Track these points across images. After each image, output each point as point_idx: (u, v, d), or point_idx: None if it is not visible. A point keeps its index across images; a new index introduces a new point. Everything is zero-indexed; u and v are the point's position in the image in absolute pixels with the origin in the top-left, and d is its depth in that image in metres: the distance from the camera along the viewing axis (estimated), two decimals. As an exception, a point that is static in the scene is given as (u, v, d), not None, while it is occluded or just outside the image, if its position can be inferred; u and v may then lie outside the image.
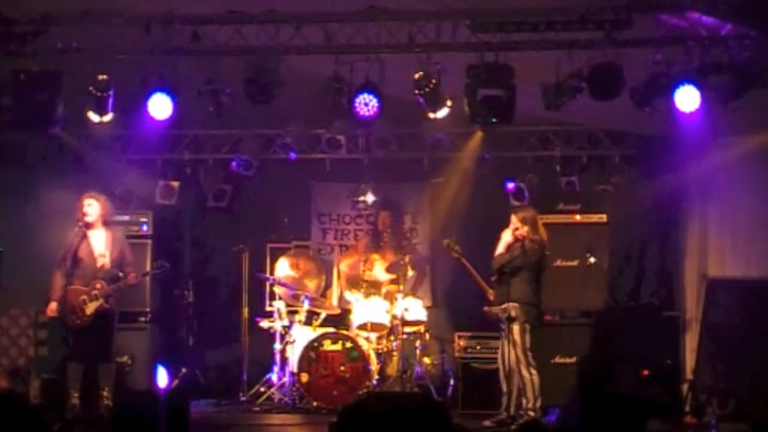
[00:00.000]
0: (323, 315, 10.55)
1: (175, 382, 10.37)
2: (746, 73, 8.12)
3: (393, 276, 10.56)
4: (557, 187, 10.91)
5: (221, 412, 10.09)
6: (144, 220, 10.87)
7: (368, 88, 8.57)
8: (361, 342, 10.06)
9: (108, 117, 8.91)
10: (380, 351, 10.21)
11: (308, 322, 10.38)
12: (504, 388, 9.10)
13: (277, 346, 10.37)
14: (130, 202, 10.98)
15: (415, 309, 10.44)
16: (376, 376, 9.99)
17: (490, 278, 9.34)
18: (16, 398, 5.42)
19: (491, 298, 9.33)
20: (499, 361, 9.22)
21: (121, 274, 9.24)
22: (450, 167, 11.20)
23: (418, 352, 10.40)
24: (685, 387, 9.76)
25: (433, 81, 8.46)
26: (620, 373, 9.68)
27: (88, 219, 9.19)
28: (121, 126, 10.07)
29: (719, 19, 8.06)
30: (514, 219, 9.21)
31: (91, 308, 9.07)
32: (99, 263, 9.19)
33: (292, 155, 11.16)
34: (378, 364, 10.07)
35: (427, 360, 10.58)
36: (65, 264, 9.13)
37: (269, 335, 10.51)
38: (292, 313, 10.55)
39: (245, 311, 10.86)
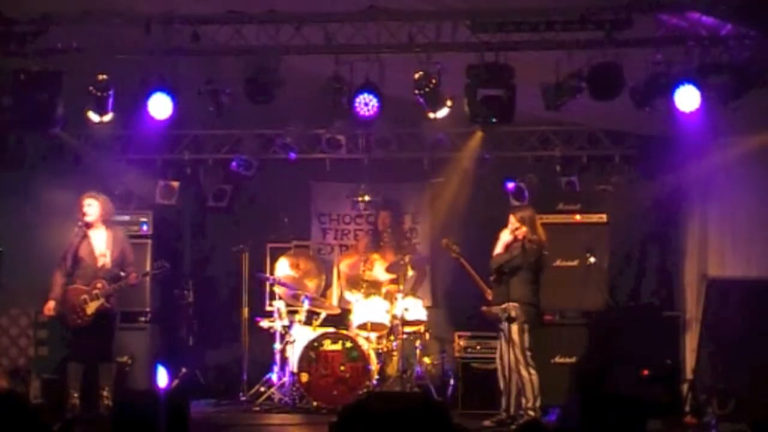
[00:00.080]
0: (323, 315, 10.55)
1: (175, 382, 10.36)
2: (746, 73, 8.12)
3: (393, 276, 10.56)
4: (557, 187, 10.91)
5: (221, 412, 10.09)
6: (144, 220, 10.87)
7: (368, 88, 8.57)
8: (361, 342, 10.06)
9: (108, 117, 8.91)
10: (380, 351, 10.22)
11: (308, 322, 10.39)
12: (502, 388, 9.10)
13: (277, 346, 10.37)
14: (130, 202, 10.98)
15: (415, 309, 10.44)
16: (376, 376, 9.99)
17: (489, 278, 9.34)
18: (16, 398, 5.42)
19: (489, 298, 9.33)
20: (498, 361, 9.22)
21: (122, 274, 9.24)
22: (450, 167, 11.20)
23: (418, 352, 10.40)
24: (685, 387, 9.76)
25: (433, 81, 8.46)
26: (620, 373, 9.69)
27: (88, 219, 9.20)
28: (121, 126, 10.08)
29: (719, 19, 8.06)
30: (512, 219, 9.22)
31: (91, 308, 9.07)
32: (100, 263, 9.19)
33: (292, 155, 11.16)
34: (378, 364, 10.07)
35: (427, 360, 10.58)
36: (65, 264, 9.13)
37: (269, 335, 10.51)
38: (292, 313, 10.55)
39: (245, 311, 10.87)
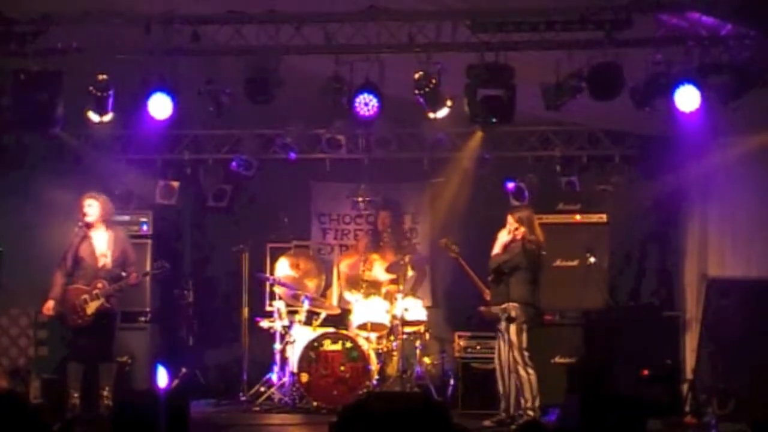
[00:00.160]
0: (323, 315, 10.55)
1: (175, 382, 10.36)
2: (746, 73, 8.12)
3: (393, 276, 10.56)
4: (557, 187, 10.92)
5: (221, 412, 10.09)
6: (144, 220, 10.87)
7: (368, 88, 8.57)
8: (361, 342, 10.06)
9: (108, 117, 8.91)
10: (380, 351, 10.21)
11: (308, 322, 10.38)
12: (501, 388, 9.10)
13: (277, 346, 10.37)
14: (130, 202, 10.98)
15: (415, 309, 10.44)
16: (376, 376, 9.99)
17: (487, 278, 9.35)
18: (16, 398, 5.43)
19: (488, 298, 9.34)
20: (496, 361, 9.22)
21: (123, 274, 9.23)
22: (450, 167, 11.20)
23: (418, 352, 10.40)
24: (685, 387, 9.76)
25: (433, 81, 8.46)
26: (620, 373, 9.69)
27: (89, 219, 9.20)
28: (121, 126, 10.07)
29: (719, 19, 8.06)
30: (510, 219, 9.22)
31: (92, 308, 9.07)
32: (100, 263, 9.19)
33: (292, 155, 11.16)
34: (378, 364, 10.07)
35: (427, 360, 10.58)
36: (65, 264, 9.13)
37: (269, 335, 10.51)
38: (292, 313, 10.55)
39: (245, 311, 10.87)
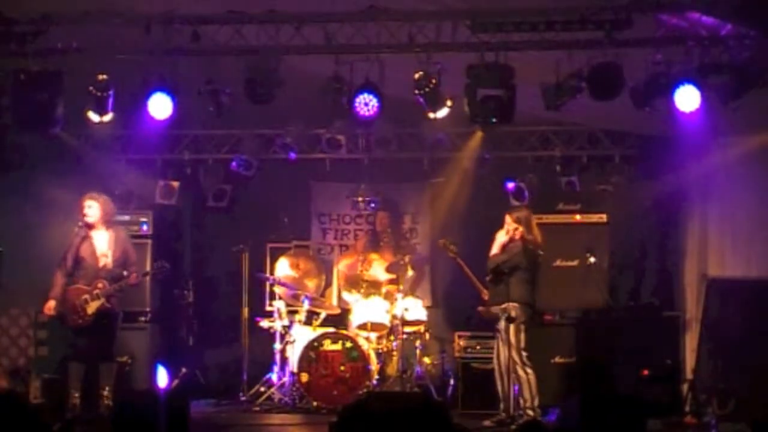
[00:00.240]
0: (323, 315, 10.55)
1: (175, 382, 10.36)
2: (746, 73, 8.12)
3: (392, 276, 10.57)
4: (557, 187, 10.92)
5: (221, 412, 10.09)
6: (144, 220, 10.87)
7: (368, 88, 8.57)
8: (361, 342, 10.06)
9: (108, 117, 8.91)
10: (380, 351, 10.21)
11: (308, 322, 10.38)
12: (500, 388, 9.10)
13: (277, 346, 10.37)
14: (130, 202, 10.97)
15: (415, 309, 10.44)
16: (376, 376, 9.99)
17: (485, 278, 9.35)
18: (16, 398, 5.43)
19: (486, 298, 9.34)
20: (495, 361, 9.22)
21: (125, 273, 9.23)
22: (450, 167, 11.20)
23: (418, 352, 10.40)
24: (685, 387, 9.76)
25: (433, 81, 8.46)
26: (620, 373, 9.69)
27: (89, 220, 9.19)
28: (121, 126, 10.07)
29: (719, 19, 8.06)
30: (508, 219, 9.22)
31: (92, 308, 9.06)
32: (101, 263, 9.18)
33: (292, 155, 11.17)
34: (378, 364, 10.07)
35: (427, 360, 10.58)
36: (65, 264, 9.13)
37: (269, 335, 10.51)
38: (292, 313, 10.55)
39: (245, 311, 10.87)
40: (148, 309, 10.71)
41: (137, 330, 10.55)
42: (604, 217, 10.58)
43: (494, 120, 8.49)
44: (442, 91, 8.64)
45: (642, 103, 8.48)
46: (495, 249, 9.21)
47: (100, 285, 9.11)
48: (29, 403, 8.91)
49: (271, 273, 11.03)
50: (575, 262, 10.41)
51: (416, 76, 8.47)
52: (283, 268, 10.96)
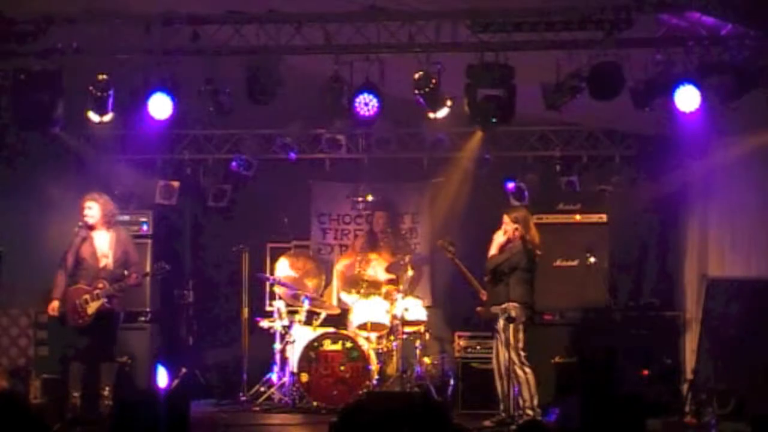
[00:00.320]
0: (323, 315, 10.55)
1: (175, 382, 10.36)
2: (746, 73, 8.12)
3: (392, 276, 10.57)
4: (557, 187, 10.92)
5: (221, 412, 10.08)
6: (144, 220, 10.87)
7: (368, 88, 8.57)
8: (361, 342, 10.06)
9: (108, 117, 8.91)
10: (380, 351, 10.21)
11: (308, 322, 10.39)
12: (500, 389, 9.10)
13: (277, 346, 10.37)
14: (130, 202, 10.97)
15: (415, 309, 10.44)
16: (376, 376, 9.99)
17: (484, 279, 9.35)
18: (16, 398, 5.43)
19: (484, 298, 9.34)
20: (494, 361, 9.22)
21: (126, 273, 9.22)
22: (450, 167, 11.20)
23: (418, 352, 10.39)
24: (685, 387, 9.76)
25: (433, 81, 8.46)
26: (620, 373, 9.69)
27: (89, 221, 9.17)
28: (121, 126, 10.07)
29: (719, 19, 8.06)
30: (506, 219, 9.22)
31: (92, 308, 9.05)
32: (102, 263, 9.17)
33: (292, 155, 11.17)
34: (378, 364, 10.07)
35: (427, 360, 10.57)
36: (66, 264, 9.11)
37: (269, 335, 10.51)
38: (292, 313, 10.55)
39: (245, 311, 10.87)
40: (148, 309, 10.71)
41: (137, 330, 10.54)
42: (604, 217, 10.57)
43: (494, 120, 8.50)
44: (442, 91, 8.64)
45: (642, 103, 8.48)
46: (493, 250, 9.20)
47: (100, 285, 9.10)
48: (29, 403, 8.93)
49: (271, 273, 11.03)
50: (575, 262, 10.41)
51: (416, 76, 8.48)
52: (283, 268, 10.96)
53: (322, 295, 10.94)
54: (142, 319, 10.65)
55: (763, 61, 8.12)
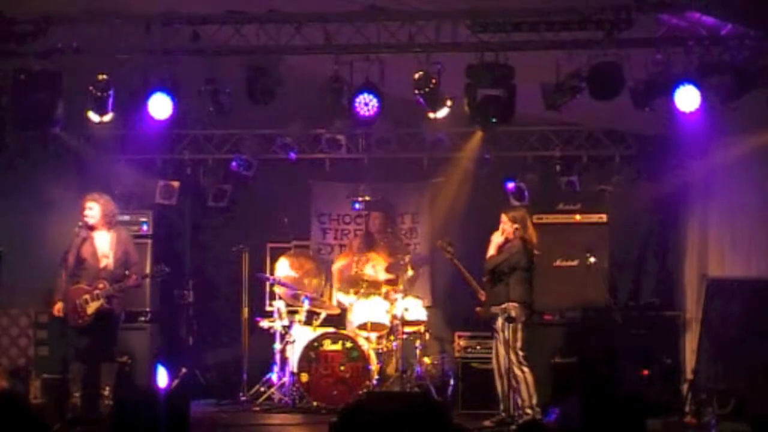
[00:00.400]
0: (323, 315, 10.55)
1: (175, 382, 10.36)
2: (746, 73, 8.12)
3: (390, 276, 10.56)
4: (557, 187, 10.92)
5: (221, 412, 10.08)
6: (144, 220, 10.87)
7: (368, 88, 8.57)
8: (361, 342, 10.06)
9: (108, 117, 8.91)
10: (380, 351, 10.21)
11: (308, 322, 10.39)
12: (500, 388, 9.10)
13: (277, 346, 10.37)
14: (130, 202, 10.97)
15: (414, 309, 10.44)
16: (376, 376, 9.99)
17: (482, 279, 9.35)
18: (16, 398, 5.43)
19: (483, 299, 9.34)
20: (494, 361, 9.22)
21: (127, 273, 9.21)
22: (450, 167, 11.21)
23: (418, 352, 10.39)
24: (685, 387, 9.76)
25: (433, 81, 8.46)
26: (620, 373, 9.69)
27: (90, 221, 9.15)
28: (121, 126, 10.07)
29: (719, 19, 8.06)
30: (504, 218, 9.23)
31: (92, 308, 9.05)
32: (102, 264, 9.16)
33: (292, 155, 11.17)
34: (378, 364, 10.07)
35: (427, 360, 10.58)
36: (67, 264, 9.10)
37: (269, 335, 10.51)
38: (292, 313, 10.55)
39: (245, 311, 10.87)
40: (148, 309, 10.71)
41: (137, 330, 10.54)
42: (604, 217, 10.58)
43: (494, 120, 8.50)
44: (442, 91, 8.64)
45: (642, 103, 8.48)
46: (491, 251, 9.20)
47: (100, 286, 9.10)
48: (29, 403, 8.93)
49: (271, 273, 11.03)
50: (575, 262, 10.42)
51: (416, 76, 8.47)
52: (283, 268, 10.96)
53: (322, 295, 10.94)
54: (142, 319, 10.65)
55: (763, 61, 8.12)
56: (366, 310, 10.29)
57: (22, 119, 8.85)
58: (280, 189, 11.47)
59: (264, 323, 10.51)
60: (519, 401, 8.97)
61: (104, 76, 8.65)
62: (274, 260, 11.28)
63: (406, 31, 8.32)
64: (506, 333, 8.91)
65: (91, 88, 8.68)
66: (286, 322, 10.38)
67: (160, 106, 8.74)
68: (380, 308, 10.29)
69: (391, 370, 10.36)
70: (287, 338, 10.29)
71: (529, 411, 8.88)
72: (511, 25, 8.12)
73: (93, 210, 9.17)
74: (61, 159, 10.88)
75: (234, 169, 11.20)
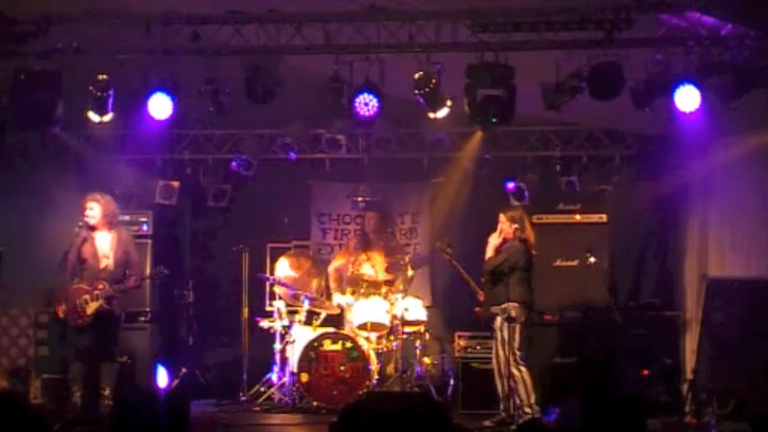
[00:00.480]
0: (323, 315, 10.54)
1: (175, 382, 10.36)
2: (746, 73, 8.13)
3: (389, 277, 10.56)
4: (557, 187, 10.93)
5: (221, 412, 10.08)
6: (144, 220, 10.87)
7: (368, 88, 8.57)
8: (361, 342, 10.06)
9: (108, 117, 8.91)
10: (380, 351, 10.21)
11: (308, 322, 10.38)
12: (500, 388, 9.10)
13: (277, 346, 10.37)
14: (130, 202, 10.97)
15: (414, 309, 10.44)
16: (376, 376, 9.99)
17: (481, 279, 9.35)
18: (16, 398, 5.43)
19: (481, 299, 9.34)
20: (494, 361, 9.22)
21: (127, 273, 9.21)
22: (450, 167, 11.21)
23: (418, 352, 10.39)
24: (685, 387, 9.76)
25: (433, 81, 8.46)
26: (620, 373, 9.69)
27: (90, 222, 9.13)
28: (121, 126, 10.08)
29: (719, 19, 8.06)
30: (502, 218, 9.23)
31: (91, 308, 9.04)
32: (102, 264, 9.15)
33: (292, 155, 11.17)
34: (378, 364, 10.07)
35: (427, 360, 10.58)
36: (68, 264, 9.09)
37: (269, 335, 10.51)
38: (292, 313, 10.55)
39: (245, 311, 10.86)
40: (148, 309, 10.71)
41: (137, 330, 10.54)
42: (604, 217, 10.58)
43: (494, 120, 8.51)
44: (442, 91, 8.64)
45: (642, 103, 8.48)
46: (489, 252, 9.20)
47: (100, 286, 9.08)
48: (29, 403, 8.92)
49: (271, 273, 11.03)
50: (575, 262, 10.42)
51: (416, 76, 8.48)
52: (283, 268, 10.96)
53: (322, 295, 10.94)
54: (142, 319, 10.65)
55: (763, 61, 8.13)
56: (366, 310, 10.29)
57: (22, 119, 8.86)
58: (280, 189, 11.47)
59: (264, 323, 10.51)
60: (517, 401, 8.97)
61: (104, 76, 8.66)
62: (274, 260, 11.28)
63: (406, 31, 8.33)
64: (504, 333, 8.91)
65: (91, 88, 8.68)
66: (286, 322, 10.38)
67: (160, 106, 8.75)
68: (380, 308, 10.28)
69: (391, 370, 10.36)
70: (287, 338, 10.29)
71: (528, 410, 8.89)
72: (511, 25, 8.12)
73: (94, 210, 9.15)
74: (61, 159, 10.88)
75: (234, 169, 11.20)
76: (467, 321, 10.35)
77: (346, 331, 10.31)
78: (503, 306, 8.97)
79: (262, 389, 10.41)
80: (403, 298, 10.35)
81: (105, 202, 9.21)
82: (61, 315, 9.12)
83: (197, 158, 11.35)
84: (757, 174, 9.71)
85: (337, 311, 10.82)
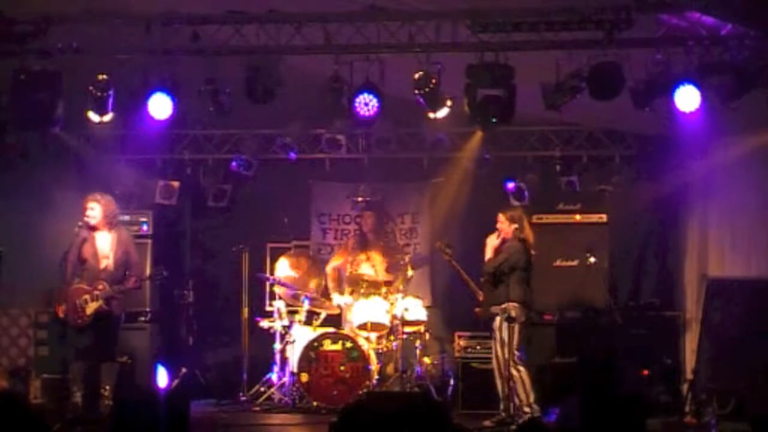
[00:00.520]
0: (323, 315, 10.55)
1: (175, 382, 10.36)
2: (746, 73, 8.13)
3: (389, 277, 10.56)
4: (557, 187, 10.93)
5: (221, 412, 10.08)
6: (144, 220, 10.87)
7: (368, 88, 8.58)
8: (361, 342, 10.06)
9: (108, 117, 8.91)
10: (380, 351, 10.21)
11: (308, 322, 10.38)
12: (500, 388, 9.10)
13: (277, 346, 10.37)
14: (130, 202, 10.97)
15: (414, 309, 10.44)
16: (376, 376, 9.99)
17: (480, 280, 9.35)
18: (16, 398, 5.43)
19: (480, 299, 9.34)
20: (494, 362, 9.22)
21: (127, 274, 9.20)
22: (450, 167, 11.21)
23: (418, 352, 10.39)
24: (685, 387, 9.76)
25: (433, 81, 8.46)
26: (620, 373, 9.69)
27: (91, 221, 9.13)
28: (121, 126, 10.08)
29: (719, 19, 8.06)
30: (501, 218, 9.23)
31: (91, 308, 9.04)
32: (102, 264, 9.14)
33: (292, 155, 11.18)
34: (378, 364, 10.07)
35: (427, 360, 10.57)
36: (68, 264, 9.08)
37: (269, 335, 10.51)
38: (292, 313, 10.55)
39: (245, 311, 10.86)
40: (148, 309, 10.71)
41: (137, 330, 10.54)
42: (604, 217, 10.59)
43: (494, 120, 8.51)
44: (442, 91, 8.64)
45: (642, 103, 8.48)
46: (488, 253, 9.20)
47: (100, 287, 9.08)
48: (29, 403, 8.92)
49: (271, 273, 11.03)
50: (575, 262, 10.43)
51: (416, 76, 8.48)
52: (283, 268, 10.96)
53: (322, 295, 10.94)
54: (142, 319, 10.65)
55: (763, 61, 8.13)
56: (366, 310, 10.29)
57: (22, 119, 8.86)
58: (280, 189, 11.47)
59: (264, 323, 10.51)
60: (516, 400, 8.97)
61: (104, 76, 8.66)
62: (274, 260, 11.28)
63: (406, 31, 8.33)
64: (503, 333, 8.91)
65: (91, 88, 8.68)
66: (286, 322, 10.38)
67: (160, 106, 8.75)
68: (380, 308, 10.28)
69: (391, 370, 10.36)
70: (287, 338, 10.29)
71: (527, 409, 8.89)
72: (511, 25, 8.12)
73: (94, 210, 9.15)
74: (61, 159, 10.88)
75: (234, 169, 11.20)
76: (467, 321, 10.35)
77: (346, 331, 10.31)
78: (503, 306, 8.97)
79: (262, 389, 10.41)
80: (403, 298, 10.35)
81: (105, 202, 9.20)
82: (61, 315, 9.11)
83: (197, 158, 11.35)
84: (757, 174, 9.71)
85: (337, 311, 10.82)
